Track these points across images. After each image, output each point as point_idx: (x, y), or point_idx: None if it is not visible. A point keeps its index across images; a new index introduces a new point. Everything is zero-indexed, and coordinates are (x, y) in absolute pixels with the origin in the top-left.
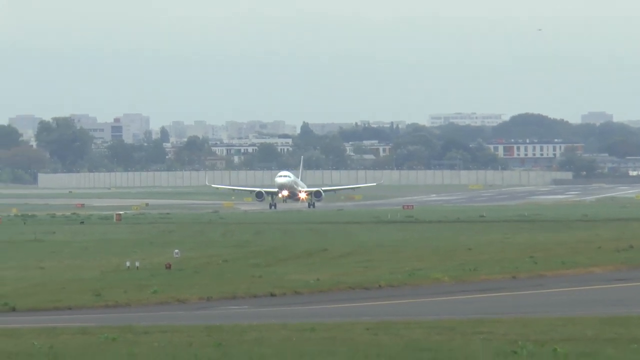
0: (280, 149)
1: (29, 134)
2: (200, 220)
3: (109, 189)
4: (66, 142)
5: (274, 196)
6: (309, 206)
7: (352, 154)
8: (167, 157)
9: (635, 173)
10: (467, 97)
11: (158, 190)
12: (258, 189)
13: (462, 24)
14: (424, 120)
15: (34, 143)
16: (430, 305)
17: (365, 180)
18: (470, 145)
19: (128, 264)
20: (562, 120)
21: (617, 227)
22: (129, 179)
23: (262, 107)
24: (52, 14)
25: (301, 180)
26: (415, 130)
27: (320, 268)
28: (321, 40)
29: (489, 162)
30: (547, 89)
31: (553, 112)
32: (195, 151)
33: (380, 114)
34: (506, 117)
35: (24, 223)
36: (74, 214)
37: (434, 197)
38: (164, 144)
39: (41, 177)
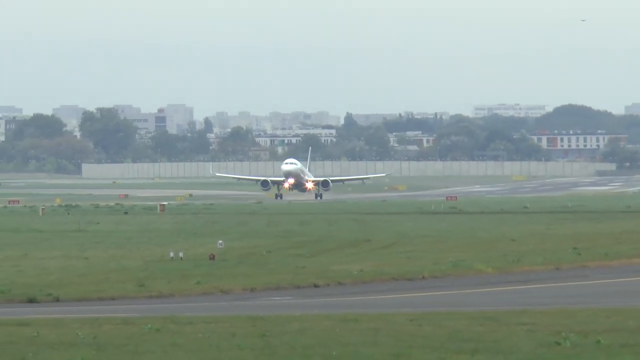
0: (324, 140)
1: (72, 124)
2: (244, 211)
3: (153, 179)
4: (110, 133)
5: (280, 186)
6: (315, 197)
7: (395, 144)
8: (210, 147)
9: None
10: (510, 88)
11: (202, 180)
12: (263, 178)
13: (505, 16)
14: (467, 111)
15: (77, 133)
16: (474, 296)
17: (409, 171)
18: (514, 136)
19: (172, 254)
20: (606, 111)
21: None
22: (172, 169)
23: (306, 98)
24: (96, 5)
25: (308, 171)
26: (459, 121)
27: (364, 259)
28: (364, 32)
29: (532, 153)
30: (591, 80)
31: (596, 103)
32: (239, 142)
33: (424, 105)
34: (549, 108)
35: (68, 213)
36: (117, 204)
37: (477, 188)
38: (207, 134)
39: (85, 167)
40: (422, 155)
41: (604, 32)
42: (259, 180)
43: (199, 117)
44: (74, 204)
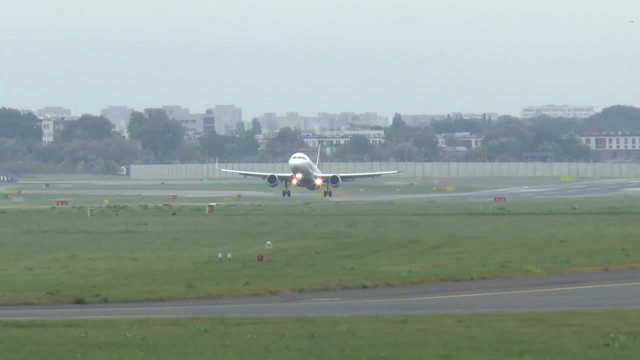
0: (372, 141)
1: (121, 125)
2: (292, 212)
3: (201, 180)
4: (158, 133)
5: (288, 182)
6: (325, 195)
7: (444, 145)
8: (259, 148)
9: None
10: (559, 89)
11: (250, 181)
12: (270, 173)
13: (554, 17)
14: (516, 112)
15: (126, 134)
16: (522, 297)
17: (457, 172)
18: (562, 137)
19: (220, 255)
20: None
21: None
22: (221, 170)
23: (354, 99)
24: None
25: (318, 168)
26: (508, 122)
27: (412, 260)
28: (412, 33)
29: (581, 154)
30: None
31: None
32: (287, 143)
33: (473, 106)
34: (598, 109)
35: (116, 214)
36: (166, 205)
37: (525, 189)
38: (256, 135)
39: (133, 168)
40: (471, 157)
41: None
42: (265, 176)
43: (247, 118)
44: (122, 205)
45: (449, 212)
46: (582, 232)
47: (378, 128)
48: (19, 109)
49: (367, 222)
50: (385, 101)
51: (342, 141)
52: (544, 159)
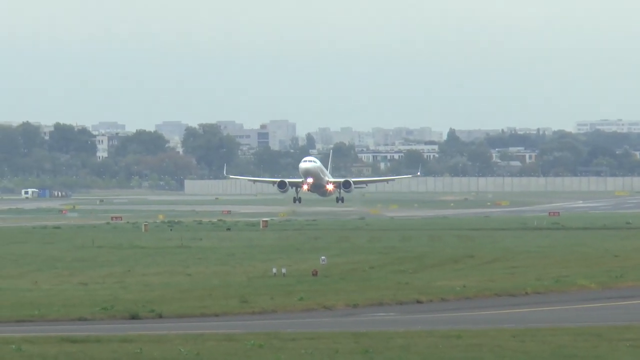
0: (427, 156)
1: (175, 141)
2: (347, 227)
3: (255, 195)
4: (212, 149)
5: (299, 188)
6: (337, 201)
7: (498, 160)
8: None
9: None
10: (613, 104)
11: (304, 196)
12: (280, 179)
13: (607, 32)
14: (570, 127)
15: (180, 149)
16: (577, 311)
17: (511, 187)
18: (617, 152)
19: (274, 270)
20: None
21: None
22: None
23: (408, 114)
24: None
25: (330, 174)
26: (562, 137)
27: (467, 274)
28: (466, 48)
29: (635, 168)
30: None
31: None
32: (341, 158)
33: (527, 121)
34: None
35: (170, 229)
36: (220, 220)
37: (580, 203)
38: (310, 150)
39: (187, 183)
40: (525, 171)
41: None
42: (275, 182)
43: (301, 132)
44: (176, 220)
45: (504, 227)
46: (637, 246)
47: (432, 143)
48: (74, 124)
49: (422, 237)
50: (440, 116)
51: (396, 156)
52: (598, 174)
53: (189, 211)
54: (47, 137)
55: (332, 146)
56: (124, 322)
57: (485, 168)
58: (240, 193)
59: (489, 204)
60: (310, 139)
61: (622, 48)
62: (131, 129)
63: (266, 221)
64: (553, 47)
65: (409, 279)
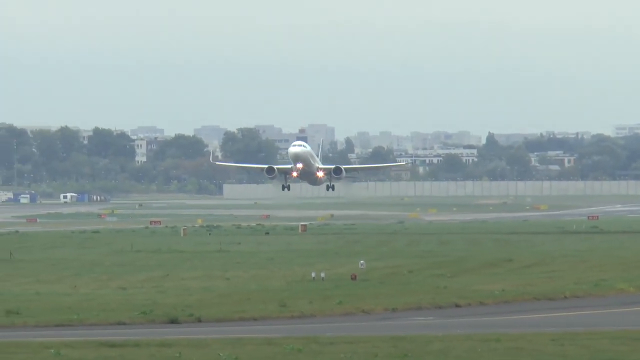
0: (465, 160)
1: (214, 145)
2: (385, 231)
3: (294, 199)
4: (251, 153)
5: (287, 175)
6: (327, 188)
7: (537, 164)
8: None
9: None
10: None
11: (342, 201)
12: (268, 165)
13: None
14: (608, 131)
15: (219, 154)
16: (616, 315)
17: (550, 191)
18: None
19: (313, 274)
20: None
21: None
22: (313, 190)
23: (447, 118)
24: (236, 25)
25: (320, 161)
26: (600, 141)
27: (505, 278)
28: (505, 51)
29: None
30: None
31: None
32: (380, 162)
33: (565, 125)
34: None
35: (209, 234)
36: (259, 224)
37: (619, 207)
38: (348, 154)
39: (226, 187)
40: (564, 175)
41: None
42: (262, 168)
43: (340, 137)
44: (215, 225)
45: (542, 231)
46: None
47: (471, 147)
48: (112, 128)
49: (460, 241)
50: (478, 120)
51: (434, 160)
52: (637, 177)
53: (228, 215)
54: (85, 142)
55: (370, 150)
56: (162, 326)
57: (523, 172)
58: (279, 197)
59: (527, 208)
60: (348, 143)
61: None
62: (170, 133)
63: (305, 225)
64: (590, 50)
65: (448, 282)
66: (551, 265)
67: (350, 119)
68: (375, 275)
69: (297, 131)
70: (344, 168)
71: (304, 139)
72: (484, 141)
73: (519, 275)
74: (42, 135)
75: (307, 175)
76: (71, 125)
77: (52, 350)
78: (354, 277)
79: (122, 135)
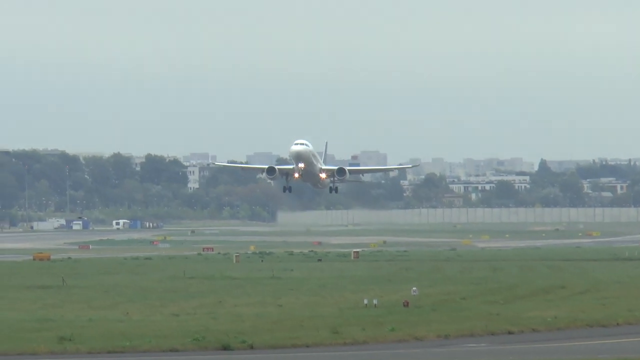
0: (518, 186)
1: None
2: (438, 258)
3: (346, 226)
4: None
5: (289, 176)
6: (330, 191)
7: (589, 191)
8: (404, 194)
9: None
10: None
11: (395, 227)
12: (269, 165)
13: None
14: None
15: (271, 181)
16: None
17: (602, 218)
18: None
19: (366, 301)
20: None
21: None
22: (365, 216)
23: (499, 144)
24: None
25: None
26: None
27: (558, 305)
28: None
29: None
30: None
31: None
32: (432, 188)
33: (618, 151)
34: None
35: (262, 260)
36: (311, 251)
37: None
38: (401, 181)
39: (279, 214)
40: (616, 202)
41: None
42: (263, 169)
43: (392, 163)
44: (268, 251)
45: (595, 258)
46: None
47: (523, 174)
48: (165, 155)
49: (513, 268)
50: (531, 146)
51: (487, 187)
52: None
53: (280, 242)
54: (138, 168)
55: (423, 177)
56: (215, 353)
57: (576, 199)
58: (332, 224)
59: (580, 234)
60: (401, 170)
61: None
62: (222, 159)
63: (357, 252)
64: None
65: (500, 309)
66: (604, 292)
67: (403, 145)
68: (427, 302)
69: (349, 158)
70: (348, 169)
71: (357, 166)
72: (536, 168)
73: (572, 302)
74: (95, 162)
75: (310, 176)
76: (123, 151)
77: None
78: (406, 304)
79: (175, 162)
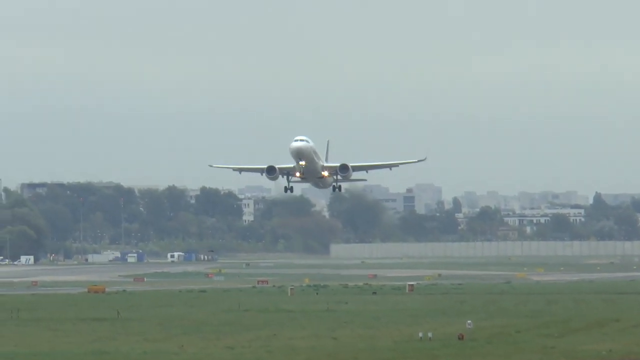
0: (573, 220)
1: (321, 204)
2: (493, 291)
3: (401, 259)
4: (359, 212)
5: (290, 175)
6: (333, 189)
7: None
8: (459, 227)
9: None
10: None
11: (450, 260)
12: (269, 165)
13: None
14: None
15: (326, 213)
16: None
17: None
18: None
19: (420, 334)
20: None
21: None
22: (420, 249)
23: (553, 177)
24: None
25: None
26: None
27: (613, 338)
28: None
29: None
30: None
31: None
32: (487, 222)
33: None
34: None
35: (317, 293)
36: (366, 284)
37: None
38: (456, 214)
39: (333, 247)
40: None
41: None
42: (262, 169)
43: (447, 196)
44: (322, 284)
45: None
46: None
47: (578, 207)
48: (220, 188)
49: (568, 301)
50: (586, 179)
51: (542, 220)
52: None
53: (335, 275)
54: (192, 201)
55: (477, 210)
56: None
57: (631, 232)
58: (387, 257)
59: (635, 267)
60: (456, 203)
61: None
62: (277, 192)
63: (412, 285)
64: None
65: (555, 343)
66: None
67: (457, 178)
68: (482, 335)
69: (404, 191)
70: (351, 166)
71: (411, 199)
72: (591, 201)
73: (627, 335)
74: (150, 194)
75: (312, 174)
76: (178, 184)
77: None
78: (461, 337)
79: (230, 195)
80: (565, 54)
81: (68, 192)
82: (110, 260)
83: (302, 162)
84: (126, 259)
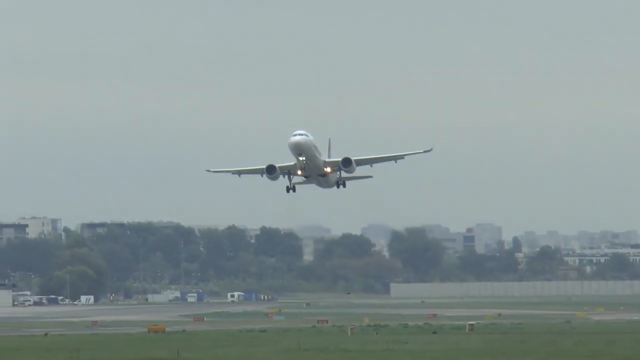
0: (632, 259)
1: (381, 244)
2: (552, 330)
3: (461, 298)
4: (418, 252)
5: (291, 174)
6: (337, 186)
7: None
8: (518, 267)
9: None
10: None
11: (510, 300)
12: (269, 164)
13: None
14: None
15: (386, 253)
16: None
17: None
18: None
19: None
20: None
21: None
22: (480, 289)
23: (613, 217)
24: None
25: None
26: None
27: None
28: None
29: None
30: None
31: None
32: (547, 261)
33: None
34: None
35: (376, 333)
36: (426, 323)
37: None
38: (515, 254)
39: (393, 286)
40: None
41: None
42: (262, 169)
43: (507, 236)
44: (382, 324)
45: None
46: None
47: (638, 246)
48: (280, 227)
49: (629, 341)
50: None
51: (602, 260)
52: None
53: (395, 314)
54: (252, 241)
55: (537, 250)
56: None
57: None
58: (446, 296)
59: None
60: (516, 243)
61: None
62: (337, 232)
63: (472, 324)
64: None
65: None
66: None
67: (517, 218)
68: None
69: (464, 230)
70: (354, 160)
71: (471, 239)
72: None
73: None
74: (210, 234)
75: (313, 171)
76: (238, 224)
77: None
78: None
79: (290, 235)
80: (618, 98)
81: (128, 232)
82: (170, 300)
83: (302, 158)
84: (186, 299)
